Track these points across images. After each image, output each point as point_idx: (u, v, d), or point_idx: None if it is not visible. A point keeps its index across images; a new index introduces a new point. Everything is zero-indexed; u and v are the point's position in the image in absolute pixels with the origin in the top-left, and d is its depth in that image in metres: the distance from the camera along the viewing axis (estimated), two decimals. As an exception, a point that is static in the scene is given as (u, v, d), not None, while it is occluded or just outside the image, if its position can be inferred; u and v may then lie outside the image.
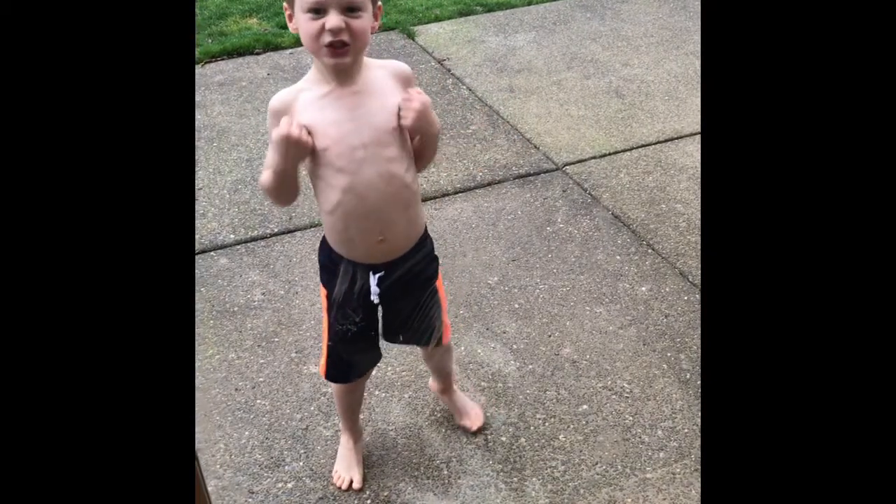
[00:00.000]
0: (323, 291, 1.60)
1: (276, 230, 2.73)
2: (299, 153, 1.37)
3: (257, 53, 4.09)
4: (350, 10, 1.30)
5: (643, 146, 3.19)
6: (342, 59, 1.34)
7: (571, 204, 2.83)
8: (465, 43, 4.10)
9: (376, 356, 1.74)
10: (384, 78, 1.43)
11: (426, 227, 1.60)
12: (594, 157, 3.11)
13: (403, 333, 1.69)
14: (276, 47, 4.13)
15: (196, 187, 2.98)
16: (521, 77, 3.75)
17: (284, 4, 1.37)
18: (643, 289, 2.41)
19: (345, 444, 1.84)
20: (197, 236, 2.70)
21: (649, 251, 2.57)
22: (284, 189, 1.44)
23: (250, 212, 2.83)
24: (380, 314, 1.63)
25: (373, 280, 1.52)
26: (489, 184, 2.95)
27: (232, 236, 2.71)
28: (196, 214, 2.81)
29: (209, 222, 2.78)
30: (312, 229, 2.71)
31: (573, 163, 3.08)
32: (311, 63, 1.42)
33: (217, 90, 3.72)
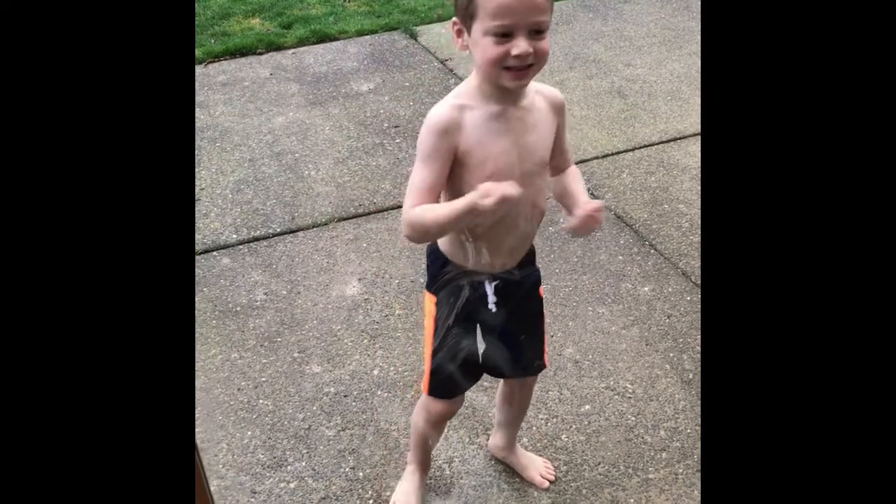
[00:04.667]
0: (432, 299, 1.51)
1: (278, 230, 2.73)
2: (509, 210, 1.27)
3: (260, 53, 4.09)
4: (537, 32, 1.23)
5: (646, 146, 3.19)
6: (524, 80, 1.29)
7: (574, 204, 2.82)
8: (467, 43, 4.10)
9: (478, 374, 1.61)
10: (543, 106, 1.39)
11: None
12: (597, 158, 3.11)
13: (515, 353, 1.58)
14: (279, 47, 4.14)
15: (198, 187, 2.98)
16: (524, 77, 3.74)
17: (454, 20, 1.29)
18: (646, 289, 2.41)
19: (409, 476, 1.77)
20: (199, 236, 2.70)
21: (652, 251, 2.57)
22: (453, 232, 1.38)
23: (252, 212, 2.84)
24: (481, 338, 1.53)
25: (489, 288, 1.47)
26: (491, 184, 2.95)
27: (234, 236, 2.71)
28: (198, 214, 2.81)
29: (211, 222, 2.78)
30: (315, 229, 2.71)
31: (576, 163, 3.06)
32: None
33: (220, 90, 3.73)
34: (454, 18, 1.29)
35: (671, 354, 2.16)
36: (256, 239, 2.70)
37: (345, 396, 2.06)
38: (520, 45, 1.22)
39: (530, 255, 1.52)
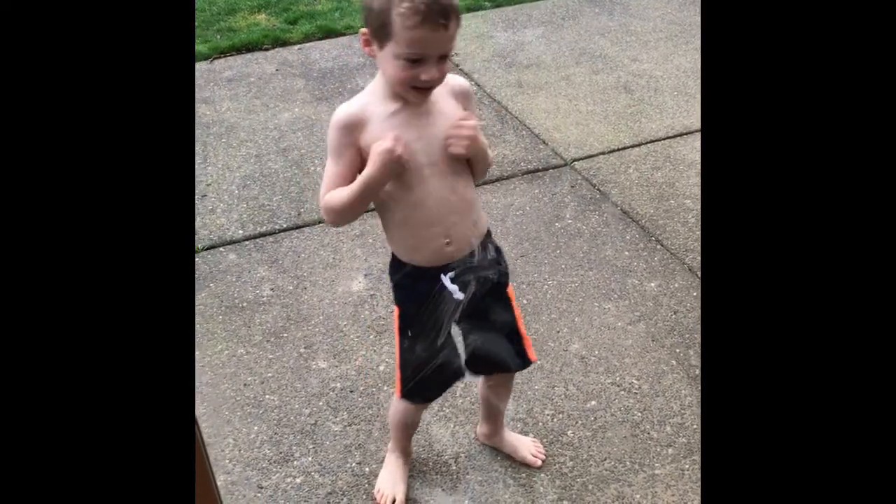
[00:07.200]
0: (396, 311, 1.60)
1: (284, 226, 2.73)
2: (399, 169, 1.37)
3: (266, 49, 4.09)
4: (443, 58, 1.33)
5: (652, 142, 3.18)
6: (427, 96, 1.39)
7: (580, 200, 2.82)
8: (473, 38, 4.10)
9: (456, 374, 1.61)
10: (445, 96, 1.45)
11: (490, 232, 1.58)
12: (603, 153, 3.11)
13: (486, 352, 1.60)
14: (285, 43, 4.14)
15: (205, 183, 2.99)
16: (530, 72, 3.74)
17: (364, 30, 1.35)
18: (652, 285, 2.41)
19: (393, 462, 1.81)
20: (206, 232, 2.71)
21: (658, 247, 2.57)
22: (362, 207, 1.44)
23: (259, 207, 2.84)
24: (459, 339, 1.57)
25: (446, 280, 1.50)
26: (497, 179, 2.95)
27: (241, 232, 2.72)
28: (205, 210, 2.82)
29: (218, 218, 2.79)
30: (321, 225, 2.72)
31: (582, 158, 3.07)
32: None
33: (226, 86, 3.73)
34: (363, 29, 1.36)
35: (677, 350, 2.16)
36: (263, 235, 2.70)
37: (351, 392, 2.06)
38: (429, 72, 1.33)
39: (485, 246, 1.55)
